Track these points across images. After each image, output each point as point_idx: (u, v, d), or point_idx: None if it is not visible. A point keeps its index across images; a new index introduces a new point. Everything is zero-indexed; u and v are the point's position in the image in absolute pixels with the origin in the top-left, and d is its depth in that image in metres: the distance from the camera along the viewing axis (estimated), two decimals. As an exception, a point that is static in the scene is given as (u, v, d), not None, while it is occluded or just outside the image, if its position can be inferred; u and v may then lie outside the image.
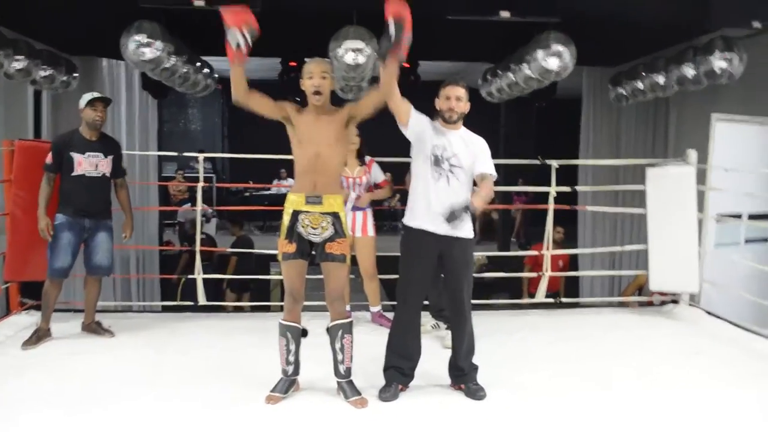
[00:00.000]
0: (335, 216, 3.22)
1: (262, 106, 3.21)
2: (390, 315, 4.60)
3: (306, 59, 3.32)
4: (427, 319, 4.52)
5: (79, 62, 7.73)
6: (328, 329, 3.34)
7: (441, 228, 3.32)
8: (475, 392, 3.44)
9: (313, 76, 3.19)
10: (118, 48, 5.95)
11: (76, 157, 4.21)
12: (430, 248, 3.41)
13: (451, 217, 3.14)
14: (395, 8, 2.94)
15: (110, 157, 4.35)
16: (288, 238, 3.22)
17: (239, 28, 2.99)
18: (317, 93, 3.19)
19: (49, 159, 4.23)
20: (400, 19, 2.94)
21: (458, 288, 3.46)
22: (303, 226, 3.20)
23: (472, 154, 3.43)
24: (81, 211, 4.24)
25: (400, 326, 3.49)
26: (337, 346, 3.29)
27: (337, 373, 3.32)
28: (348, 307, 4.49)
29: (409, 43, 2.98)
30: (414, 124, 3.38)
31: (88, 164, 4.25)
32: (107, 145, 4.38)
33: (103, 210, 4.36)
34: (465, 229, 3.43)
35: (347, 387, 3.31)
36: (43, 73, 6.79)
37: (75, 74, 7.48)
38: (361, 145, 4.59)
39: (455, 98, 3.42)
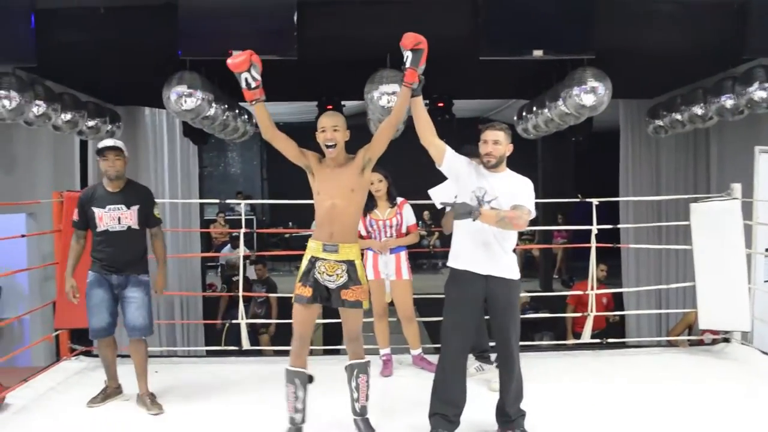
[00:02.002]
0: (350, 264, 3.31)
1: (286, 149, 3.38)
2: (432, 358, 4.56)
3: (326, 110, 3.51)
4: (470, 362, 4.45)
5: (123, 112, 7.99)
6: (345, 368, 3.45)
7: (485, 268, 3.35)
8: None
9: (326, 129, 3.29)
10: (160, 97, 6.12)
11: (97, 212, 3.92)
12: (476, 290, 3.39)
13: (459, 209, 3.19)
14: (411, 38, 3.16)
15: (135, 208, 3.96)
16: (303, 281, 3.32)
17: (244, 71, 3.19)
18: (330, 146, 3.29)
19: (75, 216, 4.03)
20: (416, 46, 3.15)
21: (505, 330, 3.41)
22: (320, 273, 3.30)
23: (513, 195, 3.39)
24: (107, 267, 3.94)
25: (445, 371, 3.44)
26: (353, 384, 3.39)
27: (353, 410, 3.41)
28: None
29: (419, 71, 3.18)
30: (449, 166, 3.41)
31: (110, 218, 3.92)
32: (131, 195, 4.00)
33: (132, 265, 3.97)
34: (511, 270, 3.41)
35: (362, 425, 3.39)
36: (89, 124, 7.04)
37: (119, 123, 7.72)
38: (389, 186, 4.56)
39: (492, 142, 3.42)
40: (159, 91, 6.09)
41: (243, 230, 5.36)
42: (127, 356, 4.16)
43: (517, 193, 3.42)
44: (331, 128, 3.29)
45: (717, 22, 5.87)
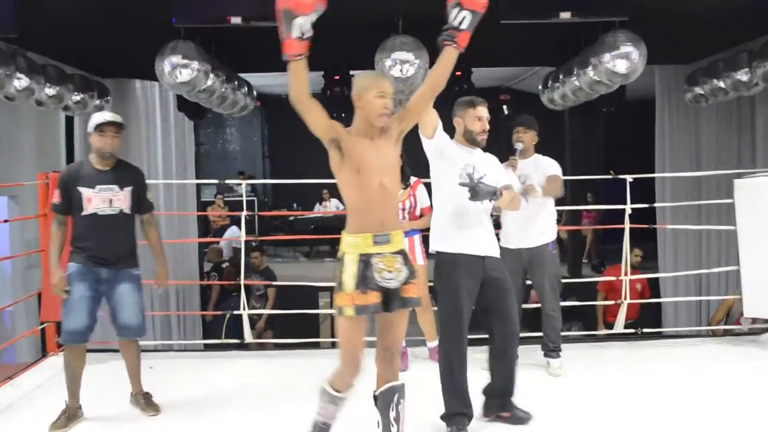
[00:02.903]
0: (403, 254, 2.94)
1: (318, 119, 2.86)
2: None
3: (359, 72, 3.17)
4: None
5: (112, 85, 7.99)
6: (380, 394, 2.95)
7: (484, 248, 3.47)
8: (525, 417, 3.55)
9: (386, 95, 2.91)
10: (152, 69, 6.11)
11: (85, 192, 3.69)
12: (477, 272, 3.45)
13: (474, 192, 3.24)
14: None
15: (128, 189, 3.77)
16: (361, 287, 2.80)
17: (306, 14, 2.66)
18: (385, 115, 2.92)
19: (56, 198, 3.76)
20: (481, 8, 2.88)
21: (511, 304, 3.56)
22: (378, 271, 2.83)
23: (497, 173, 3.61)
24: (95, 258, 3.69)
25: (457, 365, 3.44)
26: (392, 414, 2.91)
27: None
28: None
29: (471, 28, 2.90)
30: (440, 136, 3.43)
31: (100, 200, 3.70)
32: (124, 175, 3.82)
33: (124, 256, 3.79)
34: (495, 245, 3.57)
35: None
36: (75, 98, 7.04)
37: (108, 98, 7.72)
38: (404, 164, 4.45)
39: (486, 119, 3.54)
40: (151, 62, 6.07)
41: (244, 213, 5.35)
42: (116, 350, 4.09)
43: (499, 171, 3.64)
44: (391, 96, 2.94)
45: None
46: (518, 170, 4.35)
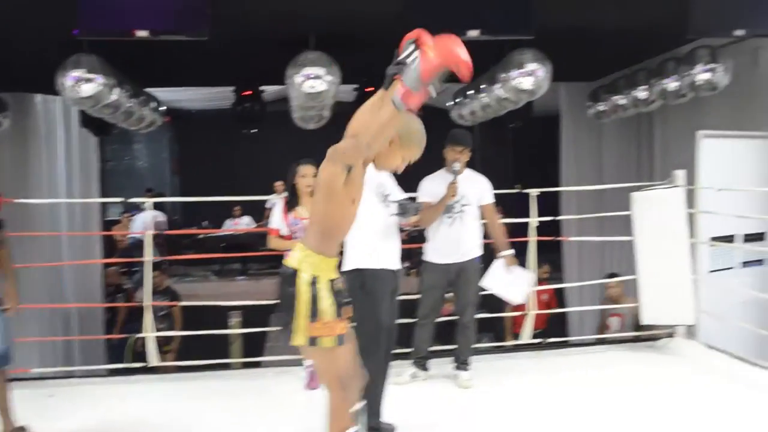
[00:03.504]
0: None
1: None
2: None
3: (415, 123, 2.83)
4: (405, 369, 4.53)
5: (11, 99, 7.68)
6: None
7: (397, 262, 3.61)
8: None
9: (406, 162, 2.85)
10: (53, 83, 5.91)
11: None
12: (392, 285, 3.56)
13: (404, 210, 3.46)
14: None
15: None
16: (339, 315, 2.64)
17: (444, 67, 2.42)
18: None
19: None
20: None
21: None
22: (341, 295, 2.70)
23: (396, 189, 3.75)
24: None
25: (379, 379, 3.48)
26: None
27: None
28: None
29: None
30: None
31: None
32: None
33: None
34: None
35: None
36: (-30, 114, 6.75)
37: (6, 113, 7.42)
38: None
39: None
40: (52, 75, 5.88)
41: (151, 232, 5.23)
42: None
43: (396, 186, 3.78)
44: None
45: (659, 0, 6.09)
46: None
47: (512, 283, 4.65)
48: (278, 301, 2.69)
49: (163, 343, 7.30)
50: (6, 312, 3.66)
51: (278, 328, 2.73)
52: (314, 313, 2.59)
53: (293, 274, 2.62)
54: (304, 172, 4.44)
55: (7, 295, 3.70)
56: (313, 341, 2.60)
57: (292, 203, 4.47)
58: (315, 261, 2.62)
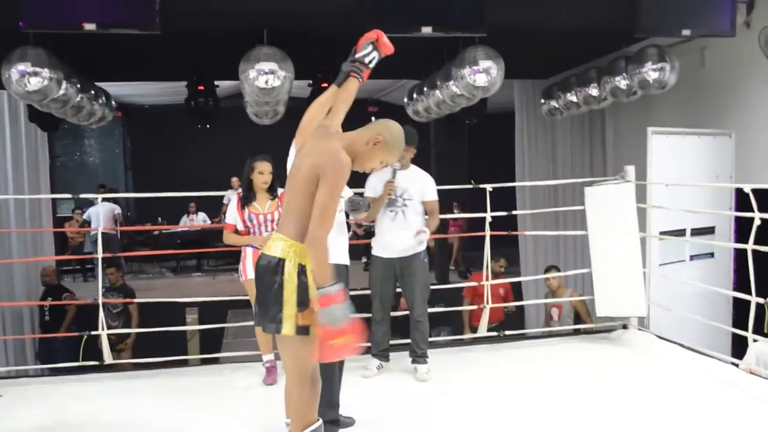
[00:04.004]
0: None
1: None
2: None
3: (389, 122, 2.88)
4: (372, 362, 4.57)
5: (-47, 94, 7.46)
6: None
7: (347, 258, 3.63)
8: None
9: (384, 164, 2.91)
10: (-1, 77, 5.76)
11: None
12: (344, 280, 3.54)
13: (356, 206, 3.57)
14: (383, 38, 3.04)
15: None
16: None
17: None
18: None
19: None
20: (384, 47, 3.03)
21: None
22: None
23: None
24: None
25: (333, 371, 3.47)
26: None
27: None
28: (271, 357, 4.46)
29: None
30: None
31: None
32: None
33: None
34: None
35: None
36: None
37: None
38: (273, 178, 4.47)
39: None
40: (-4, 69, 5.72)
41: (101, 228, 5.13)
42: None
43: None
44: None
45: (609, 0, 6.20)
46: (395, 183, 4.46)
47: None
48: (256, 291, 2.68)
49: (116, 342, 7.21)
50: None
51: (257, 318, 2.72)
52: (303, 302, 2.57)
53: (277, 263, 2.59)
54: (261, 168, 4.39)
55: None
56: (302, 330, 2.58)
57: (247, 198, 4.42)
58: (300, 250, 2.59)
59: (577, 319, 6.99)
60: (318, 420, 2.74)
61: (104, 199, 8.20)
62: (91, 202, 12.49)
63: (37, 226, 8.27)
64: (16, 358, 7.84)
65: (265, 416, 3.79)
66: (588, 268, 5.56)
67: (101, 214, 10.33)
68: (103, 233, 5.19)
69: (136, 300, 7.06)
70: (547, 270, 7.23)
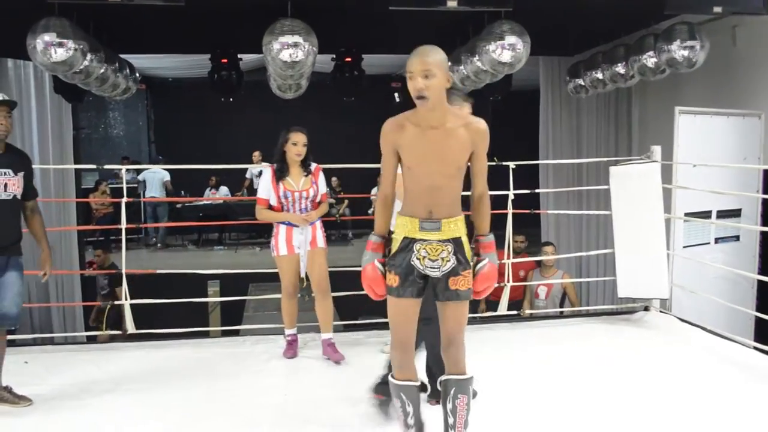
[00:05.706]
0: (456, 243, 2.81)
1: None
2: (342, 337, 4.61)
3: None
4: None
5: (-19, 64, 7.52)
6: (440, 383, 2.90)
7: None
8: None
9: (414, 75, 2.69)
10: (24, 47, 5.78)
11: None
12: None
13: None
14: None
15: (21, 174, 3.69)
16: (392, 270, 2.79)
17: None
18: (420, 97, 2.68)
19: None
20: None
21: None
22: (419, 258, 2.76)
23: None
24: None
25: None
26: (449, 406, 2.82)
27: None
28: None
29: None
30: None
31: None
32: (16, 159, 3.72)
33: (14, 242, 3.71)
34: None
35: None
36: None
37: (-24, 78, 7.27)
38: (308, 151, 4.38)
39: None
40: (23, 39, 5.75)
41: (125, 199, 5.16)
42: None
43: None
44: (422, 74, 2.69)
45: (639, -25, 6.09)
46: None
47: None
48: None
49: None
50: (43, 277, 3.94)
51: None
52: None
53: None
54: (295, 139, 4.27)
55: (44, 260, 3.91)
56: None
57: (281, 171, 4.32)
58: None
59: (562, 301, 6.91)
60: (396, 379, 2.86)
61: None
62: (114, 174, 12.62)
63: (62, 196, 8.36)
64: (42, 325, 7.97)
65: (288, 387, 3.83)
66: (611, 248, 5.51)
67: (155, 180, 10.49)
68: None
69: (158, 271, 7.10)
70: (544, 246, 7.15)
